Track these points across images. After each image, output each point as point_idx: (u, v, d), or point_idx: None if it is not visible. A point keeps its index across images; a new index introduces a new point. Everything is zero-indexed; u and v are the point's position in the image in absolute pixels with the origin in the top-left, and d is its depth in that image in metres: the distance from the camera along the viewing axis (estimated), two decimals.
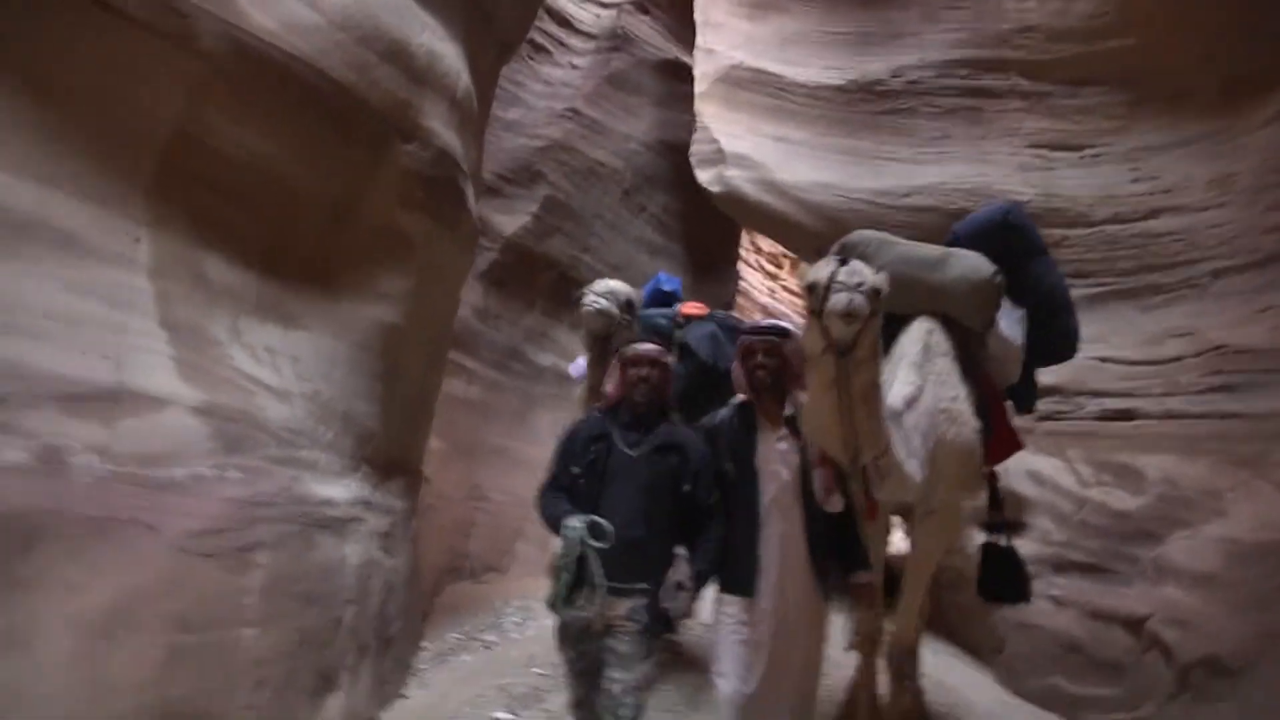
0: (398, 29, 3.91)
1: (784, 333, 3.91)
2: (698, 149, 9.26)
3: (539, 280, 8.97)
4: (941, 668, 6.07)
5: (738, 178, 8.73)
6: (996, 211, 4.96)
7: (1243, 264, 6.17)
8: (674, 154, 10.47)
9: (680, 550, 3.44)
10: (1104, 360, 6.92)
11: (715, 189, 8.99)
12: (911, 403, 4.17)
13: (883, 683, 4.88)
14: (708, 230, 10.90)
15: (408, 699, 4.60)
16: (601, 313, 5.04)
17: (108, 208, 3.08)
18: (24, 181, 2.86)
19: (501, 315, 8.45)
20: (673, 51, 10.84)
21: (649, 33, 10.69)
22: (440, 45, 4.24)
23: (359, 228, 4.07)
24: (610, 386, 3.86)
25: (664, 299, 6.07)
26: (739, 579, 3.73)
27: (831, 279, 3.30)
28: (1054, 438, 6.85)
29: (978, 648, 6.78)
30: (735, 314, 8.77)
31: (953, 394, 4.32)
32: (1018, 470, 6.55)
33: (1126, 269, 7.16)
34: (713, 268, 11.48)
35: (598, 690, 3.44)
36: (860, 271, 3.33)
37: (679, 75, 10.65)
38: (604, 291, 5.16)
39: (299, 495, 3.35)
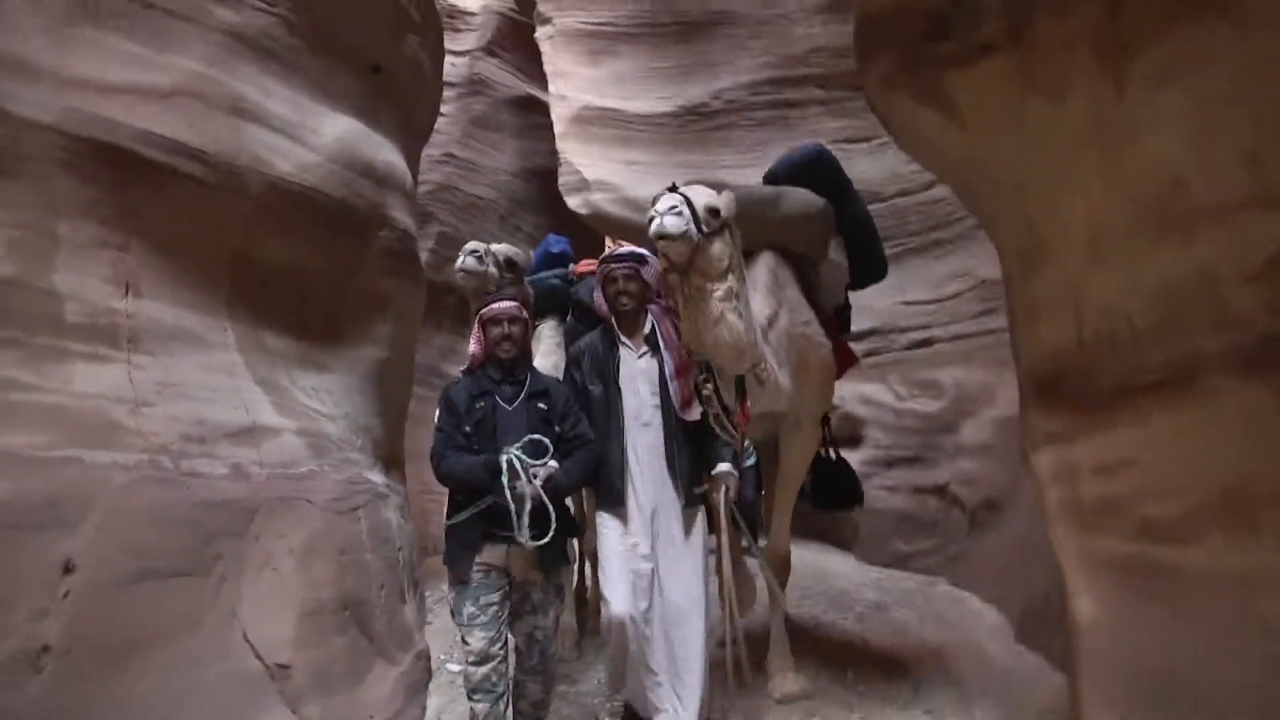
0: (367, 153, 5.29)
1: (640, 259, 4.10)
2: (564, 180, 10.56)
3: (442, 305, 10.24)
4: (815, 558, 7.66)
5: (600, 200, 10.15)
6: (811, 150, 5.18)
7: None
8: (537, 178, 11.89)
9: (553, 463, 3.61)
10: (907, 304, 8.68)
11: (583, 211, 10.39)
12: (772, 323, 4.33)
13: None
14: (574, 240, 12.26)
15: (431, 624, 6.19)
16: (471, 273, 5.13)
17: (210, 313, 4.33)
18: (167, 305, 4.06)
19: (418, 339, 9.67)
20: (524, 88, 12.13)
21: (500, 74, 11.99)
22: (392, 156, 5.63)
23: (355, 295, 5.34)
24: (474, 346, 3.98)
25: (554, 260, 6.24)
26: (610, 492, 3.99)
27: (652, 206, 3.46)
28: (877, 368, 8.57)
29: (843, 539, 8.46)
30: None
31: (805, 318, 4.52)
32: (852, 397, 8.39)
33: (915, 231, 8.86)
34: None
35: (501, 641, 3.68)
36: (686, 197, 3.45)
37: (532, 108, 12.00)
38: (472, 251, 5.19)
39: (364, 479, 4.86)
